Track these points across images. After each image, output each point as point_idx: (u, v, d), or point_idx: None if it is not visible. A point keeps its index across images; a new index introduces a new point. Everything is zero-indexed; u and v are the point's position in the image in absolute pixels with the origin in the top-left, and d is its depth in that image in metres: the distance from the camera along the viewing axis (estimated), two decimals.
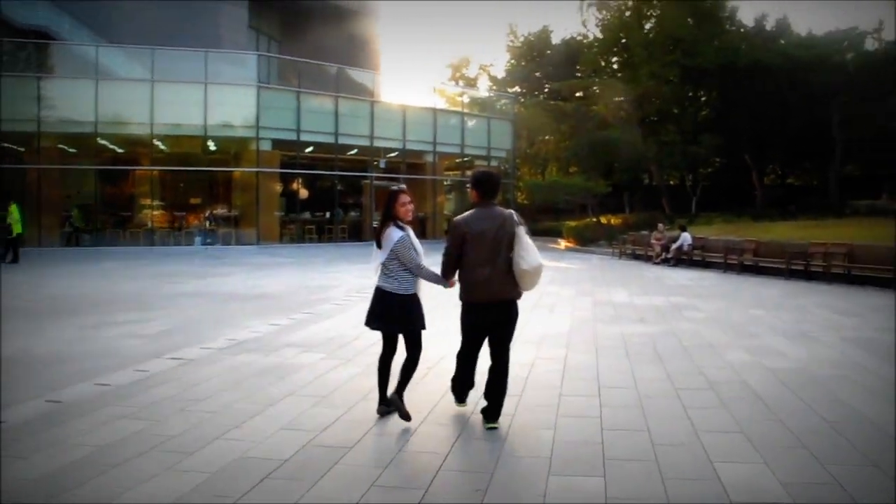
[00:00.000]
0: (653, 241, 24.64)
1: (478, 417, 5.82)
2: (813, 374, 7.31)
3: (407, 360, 5.77)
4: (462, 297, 5.63)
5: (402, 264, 5.62)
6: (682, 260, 22.99)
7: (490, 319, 5.59)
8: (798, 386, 6.80)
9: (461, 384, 6.03)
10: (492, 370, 5.71)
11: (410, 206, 5.77)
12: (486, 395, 5.73)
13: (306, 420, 5.75)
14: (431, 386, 6.76)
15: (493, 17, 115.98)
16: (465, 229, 5.48)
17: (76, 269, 19.51)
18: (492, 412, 5.67)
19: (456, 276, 5.65)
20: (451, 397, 6.34)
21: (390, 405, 5.76)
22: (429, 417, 5.84)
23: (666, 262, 23.35)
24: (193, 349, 8.64)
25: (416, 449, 5.11)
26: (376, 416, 5.84)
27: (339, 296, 14.05)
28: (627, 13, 47.65)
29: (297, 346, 8.88)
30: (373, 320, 5.82)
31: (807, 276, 18.09)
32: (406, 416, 5.62)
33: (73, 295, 14.03)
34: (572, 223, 38.86)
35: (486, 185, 5.65)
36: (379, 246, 5.71)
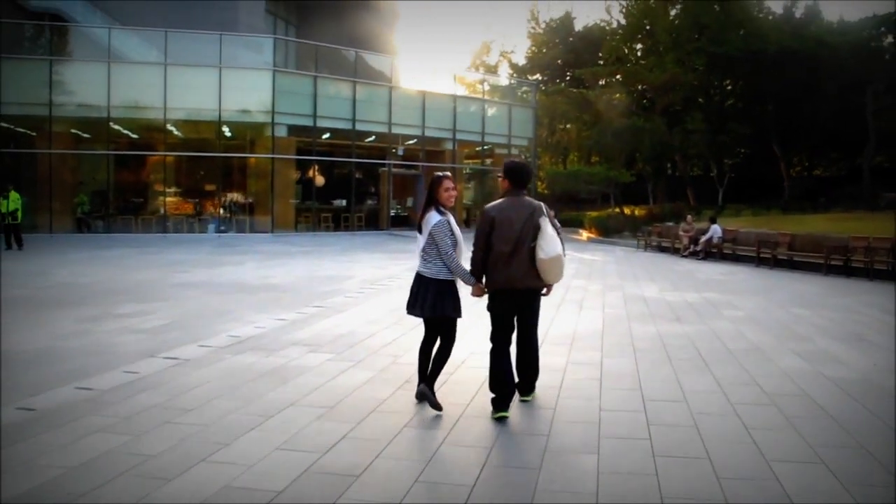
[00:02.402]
0: (680, 233, 23.73)
1: (507, 437, 5.04)
2: (883, 387, 6.45)
3: (439, 348, 5.72)
4: (487, 284, 5.63)
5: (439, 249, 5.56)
6: (712, 253, 22.07)
7: (513, 305, 5.66)
8: (871, 402, 5.95)
9: (500, 383, 5.56)
10: (519, 352, 5.83)
11: (454, 192, 5.73)
12: (518, 373, 5.80)
13: (307, 437, 4.98)
14: (452, 396, 5.97)
15: (515, 3, 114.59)
16: (493, 215, 5.49)
17: (84, 257, 18.85)
18: (525, 387, 5.88)
19: (484, 285, 5.64)
20: (477, 407, 5.72)
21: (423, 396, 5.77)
22: (450, 436, 5.06)
23: (694, 255, 22.43)
24: (191, 347, 7.89)
25: (435, 479, 4.30)
26: (389, 433, 5.06)
27: (353, 288, 13.28)
28: None
29: (304, 344, 8.11)
30: (413, 306, 5.74)
31: (846, 271, 17.17)
32: (437, 407, 5.61)
33: (77, 284, 13.34)
34: (594, 213, 37.94)
35: (517, 175, 5.68)
36: (420, 231, 5.69)
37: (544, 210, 5.55)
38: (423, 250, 5.64)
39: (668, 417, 5.50)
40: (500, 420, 5.43)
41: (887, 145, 39.92)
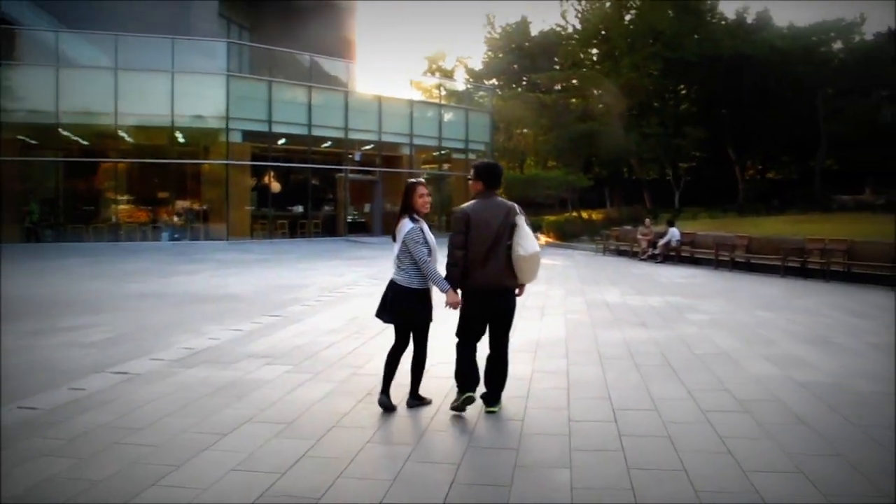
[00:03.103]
0: (639, 237, 23.74)
1: (475, 452, 4.82)
2: (855, 392, 6.36)
3: (414, 357, 5.78)
4: (462, 285, 5.57)
5: (413, 257, 5.55)
6: (670, 256, 22.12)
7: (489, 307, 5.57)
8: (844, 407, 5.84)
9: (464, 377, 5.67)
10: (490, 359, 5.70)
11: (428, 198, 5.74)
12: (486, 381, 5.71)
13: (265, 457, 4.70)
14: (416, 409, 5.76)
15: (471, 8, 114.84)
16: (469, 216, 5.46)
17: (32, 268, 18.24)
18: (491, 398, 5.72)
19: (460, 297, 5.53)
20: (442, 420, 5.54)
21: (390, 404, 5.74)
22: (415, 452, 4.82)
23: (653, 258, 22.47)
24: (142, 361, 7.55)
25: (401, 499, 4.04)
26: (351, 450, 4.82)
27: (310, 296, 12.97)
28: (608, 4, 46.80)
29: (261, 356, 7.81)
30: (382, 312, 5.76)
31: (803, 273, 17.28)
32: (426, 402, 5.89)
33: (21, 296, 12.82)
34: (552, 218, 37.95)
35: (491, 175, 5.67)
36: (394, 239, 5.69)
37: (518, 209, 5.59)
38: (397, 258, 5.65)
39: (640, 427, 5.32)
40: (468, 400, 5.57)
41: (838, 148, 40.59)
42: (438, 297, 5.66)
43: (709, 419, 5.51)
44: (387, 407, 5.71)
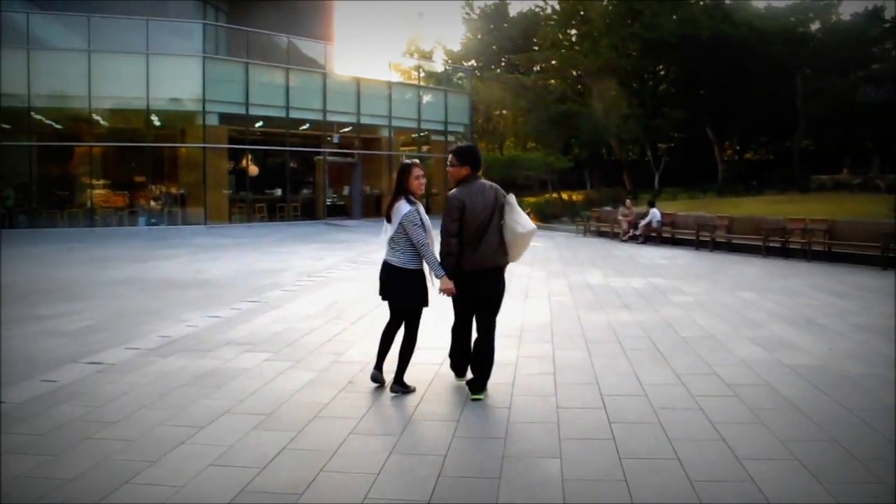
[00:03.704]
0: (620, 218, 23.66)
1: (462, 442, 4.69)
2: (844, 374, 6.27)
3: (404, 340, 5.76)
4: (456, 269, 5.58)
5: (408, 239, 5.55)
6: (651, 237, 22.06)
7: (480, 287, 5.58)
8: (834, 391, 5.75)
9: (458, 359, 5.96)
10: (477, 343, 5.71)
11: (423, 180, 5.75)
12: (472, 367, 5.71)
13: (244, 450, 4.54)
14: (398, 398, 5.63)
15: None
16: (464, 201, 5.43)
17: (7, 254, 17.87)
18: (477, 384, 5.64)
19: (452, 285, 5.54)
20: (426, 410, 5.39)
21: (382, 379, 5.89)
22: (399, 444, 4.67)
23: (634, 239, 22.41)
24: (118, 350, 7.35)
25: (387, 494, 3.89)
26: (333, 442, 4.66)
27: (289, 280, 12.78)
28: None
29: (239, 343, 7.63)
30: (383, 292, 5.78)
31: (784, 253, 17.28)
32: (411, 390, 5.80)
33: None
34: (532, 199, 37.83)
35: (476, 159, 5.67)
36: (388, 220, 5.67)
37: (502, 191, 5.64)
38: (392, 239, 5.63)
39: (630, 414, 5.21)
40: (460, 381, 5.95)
41: (816, 129, 40.68)
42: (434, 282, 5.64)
43: (699, 405, 5.40)
44: (377, 381, 5.87)
